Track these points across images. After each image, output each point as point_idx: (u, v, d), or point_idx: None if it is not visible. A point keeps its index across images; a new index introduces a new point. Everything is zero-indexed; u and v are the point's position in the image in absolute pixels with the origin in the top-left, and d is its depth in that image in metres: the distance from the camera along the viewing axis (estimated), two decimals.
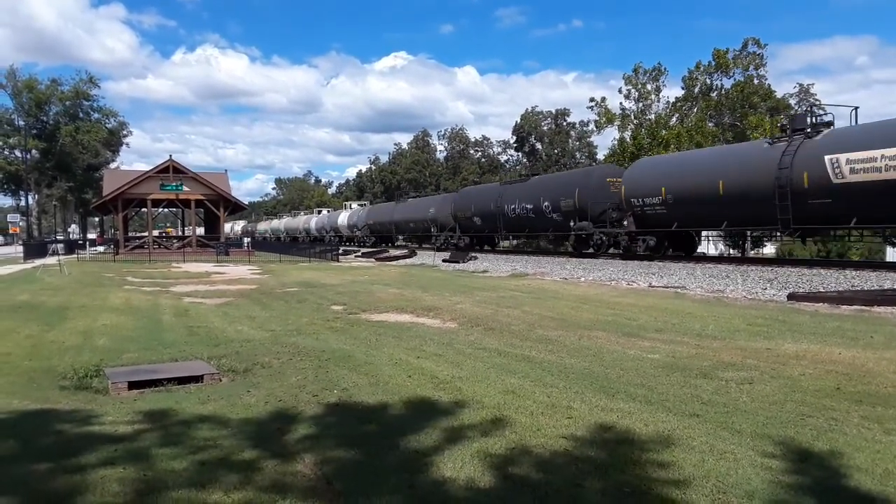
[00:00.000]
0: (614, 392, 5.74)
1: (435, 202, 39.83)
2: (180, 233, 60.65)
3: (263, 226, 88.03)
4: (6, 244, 67.86)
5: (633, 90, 54.69)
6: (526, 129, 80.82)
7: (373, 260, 34.20)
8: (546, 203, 27.10)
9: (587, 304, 12.53)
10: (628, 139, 51.21)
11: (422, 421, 4.90)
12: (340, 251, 39.05)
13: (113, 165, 71.27)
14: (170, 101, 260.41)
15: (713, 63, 50.15)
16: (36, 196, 71.03)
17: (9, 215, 64.67)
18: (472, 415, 5.06)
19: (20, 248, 42.31)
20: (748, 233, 23.63)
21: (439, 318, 11.12)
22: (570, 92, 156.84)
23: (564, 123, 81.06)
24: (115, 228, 55.84)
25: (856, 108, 17.40)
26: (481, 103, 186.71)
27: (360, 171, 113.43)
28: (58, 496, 3.50)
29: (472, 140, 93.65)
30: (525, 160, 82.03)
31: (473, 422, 4.86)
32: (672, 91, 69.34)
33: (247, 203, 77.86)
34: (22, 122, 66.93)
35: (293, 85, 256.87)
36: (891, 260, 29.96)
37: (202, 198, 44.77)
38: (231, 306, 13.66)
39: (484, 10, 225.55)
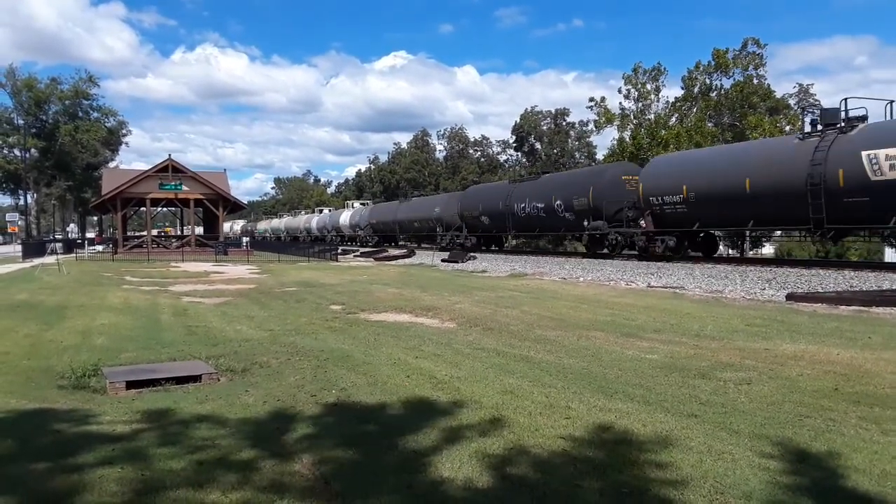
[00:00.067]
0: (612, 392, 5.74)
1: (440, 201, 39.24)
2: (179, 232, 60.63)
3: (263, 225, 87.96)
4: (5, 243, 67.74)
5: (632, 90, 54.71)
6: (525, 129, 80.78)
7: (372, 259, 34.18)
8: (558, 202, 26.37)
9: (586, 304, 12.53)
10: (627, 139, 51.23)
11: (420, 421, 4.90)
12: (339, 251, 39.01)
13: (112, 164, 71.23)
14: (169, 101, 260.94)
15: (713, 63, 50.16)
16: (35, 195, 70.95)
17: (7, 214, 64.75)
18: (471, 415, 5.06)
19: (19, 247, 42.25)
20: (747, 233, 23.24)
21: (438, 317, 11.12)
22: (569, 92, 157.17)
23: (564, 123, 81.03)
24: (113, 228, 55.82)
25: (891, 102, 16.62)
26: (481, 103, 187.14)
27: (360, 170, 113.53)
28: (56, 496, 3.50)
29: (472, 140, 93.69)
30: (524, 160, 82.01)
31: (472, 422, 4.86)
32: (672, 91, 69.57)
33: (246, 202, 77.88)
34: (21, 121, 66.88)
35: (293, 84, 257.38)
36: (889, 260, 29.97)
37: (201, 197, 44.75)
38: (229, 306, 13.65)
39: (484, 9, 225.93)
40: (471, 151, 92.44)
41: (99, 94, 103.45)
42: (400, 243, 44.76)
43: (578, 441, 4.37)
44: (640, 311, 11.20)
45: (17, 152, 68.29)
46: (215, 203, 45.02)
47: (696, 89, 51.89)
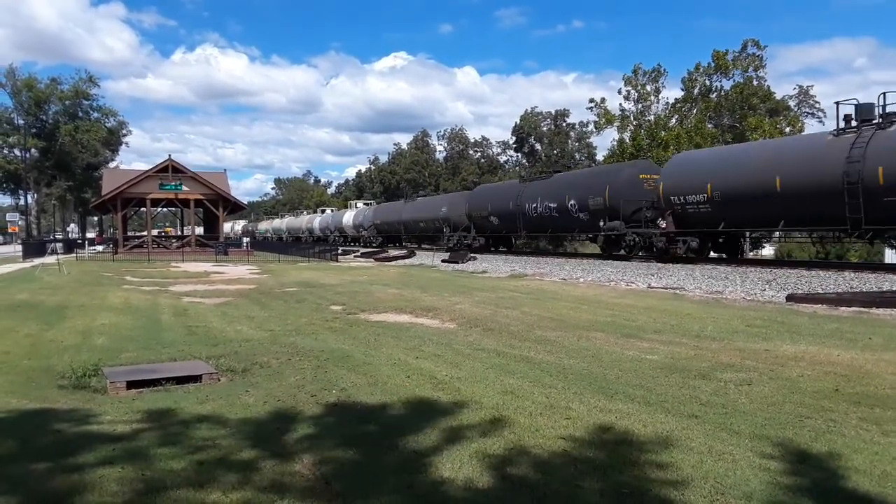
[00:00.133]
0: (613, 393, 5.74)
1: (447, 201, 38.22)
2: (179, 232, 60.65)
3: (264, 225, 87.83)
4: (5, 243, 67.78)
5: (632, 91, 54.82)
6: (525, 130, 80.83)
7: (372, 260, 34.19)
8: (572, 201, 25.46)
9: (586, 305, 12.53)
10: (627, 140, 51.29)
11: (420, 421, 4.90)
12: (339, 251, 39.02)
13: (112, 165, 71.24)
14: (169, 101, 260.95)
15: (713, 64, 50.25)
16: (35, 195, 70.97)
17: (8, 214, 64.77)
18: (471, 415, 5.06)
19: (19, 247, 42.27)
20: (747, 233, 22.62)
21: (438, 318, 11.12)
22: (569, 92, 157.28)
23: (564, 124, 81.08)
24: (114, 228, 55.84)
25: None
26: (481, 104, 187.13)
27: (360, 171, 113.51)
28: (56, 496, 3.50)
29: (472, 140, 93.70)
30: (524, 161, 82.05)
31: (472, 422, 4.86)
32: (671, 92, 69.29)
33: (246, 203, 77.93)
34: (21, 121, 66.91)
35: (293, 85, 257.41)
36: (890, 262, 29.96)
37: (201, 197, 44.77)
38: (230, 306, 13.65)
39: (484, 10, 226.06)
40: (471, 152, 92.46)
41: (99, 95, 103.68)
42: (405, 244, 44.29)
43: (579, 441, 4.37)
44: (641, 312, 11.20)
45: (17, 152, 68.33)
46: (215, 203, 45.04)
47: (696, 91, 51.97)
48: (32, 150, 67.26)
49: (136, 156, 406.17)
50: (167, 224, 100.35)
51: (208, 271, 26.03)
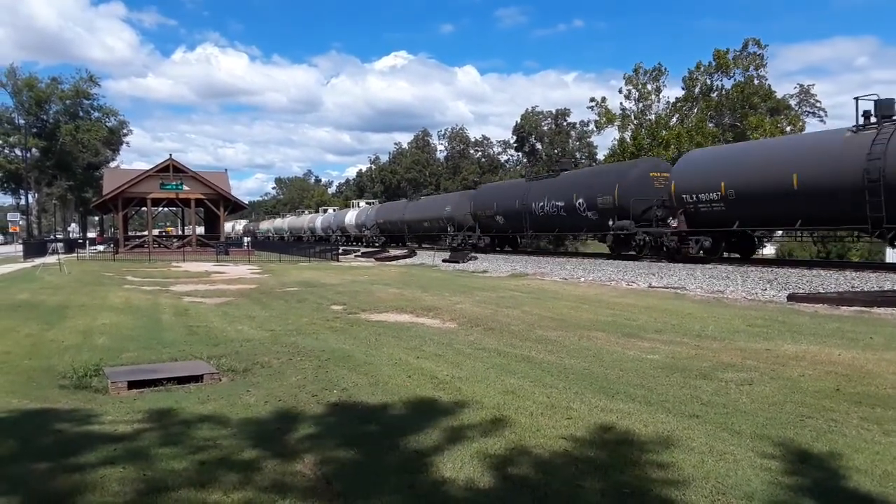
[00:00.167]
0: (614, 393, 5.74)
1: (451, 200, 37.81)
2: (180, 232, 60.68)
3: (266, 225, 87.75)
4: (6, 243, 67.83)
5: (633, 90, 54.78)
6: (526, 129, 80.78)
7: (373, 260, 34.20)
8: (580, 200, 25.06)
9: (587, 305, 12.53)
10: (628, 139, 51.27)
11: (421, 421, 4.90)
12: (340, 251, 39.04)
13: (113, 164, 71.34)
14: (170, 100, 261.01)
15: (713, 63, 50.23)
16: (36, 195, 71.02)
17: (9, 214, 64.82)
18: (472, 415, 5.06)
19: (20, 247, 42.30)
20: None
21: (439, 318, 11.12)
22: (570, 92, 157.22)
23: (565, 123, 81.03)
24: (114, 227, 55.86)
25: None
26: (481, 103, 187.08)
27: (360, 170, 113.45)
28: (58, 496, 3.50)
29: (473, 140, 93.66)
30: (525, 160, 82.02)
31: (473, 422, 4.86)
32: (672, 91, 69.29)
33: (247, 202, 77.95)
34: (22, 121, 66.90)
35: (293, 84, 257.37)
36: (891, 261, 29.93)
37: (202, 197, 44.78)
38: (231, 306, 13.66)
39: (484, 9, 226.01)
40: (471, 151, 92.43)
41: (99, 94, 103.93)
42: (407, 244, 44.11)
43: (580, 441, 4.37)
44: (642, 312, 11.20)
45: (17, 152, 68.38)
46: (216, 203, 45.05)
47: (696, 90, 51.93)
48: (33, 150, 67.31)
49: (136, 155, 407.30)
50: (168, 224, 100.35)
51: (209, 271, 26.04)
